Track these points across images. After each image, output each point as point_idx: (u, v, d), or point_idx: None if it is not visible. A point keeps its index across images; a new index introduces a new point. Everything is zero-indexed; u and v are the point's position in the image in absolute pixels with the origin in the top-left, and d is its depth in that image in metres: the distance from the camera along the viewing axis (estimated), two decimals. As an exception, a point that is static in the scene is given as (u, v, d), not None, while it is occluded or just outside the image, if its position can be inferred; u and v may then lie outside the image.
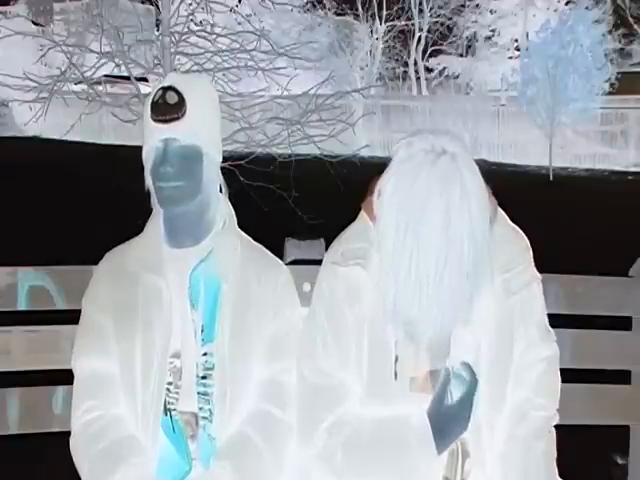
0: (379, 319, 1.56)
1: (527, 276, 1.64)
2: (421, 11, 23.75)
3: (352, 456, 1.58)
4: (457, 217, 1.44)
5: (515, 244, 1.65)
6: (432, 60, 25.33)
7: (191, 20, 6.68)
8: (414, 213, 1.45)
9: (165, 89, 1.67)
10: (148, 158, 1.69)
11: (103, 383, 1.69)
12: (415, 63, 24.51)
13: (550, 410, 1.68)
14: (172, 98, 1.66)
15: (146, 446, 1.64)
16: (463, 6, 24.67)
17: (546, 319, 1.71)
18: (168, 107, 1.66)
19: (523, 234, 1.69)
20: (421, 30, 23.96)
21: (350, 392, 1.61)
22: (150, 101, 1.68)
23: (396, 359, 1.55)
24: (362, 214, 1.66)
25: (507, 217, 1.68)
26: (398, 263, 1.47)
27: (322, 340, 1.63)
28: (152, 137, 1.68)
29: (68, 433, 1.72)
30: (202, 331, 1.68)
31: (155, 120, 1.66)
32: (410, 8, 23.74)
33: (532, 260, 1.67)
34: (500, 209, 1.66)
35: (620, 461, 3.07)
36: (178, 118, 1.66)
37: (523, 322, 1.64)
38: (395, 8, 23.89)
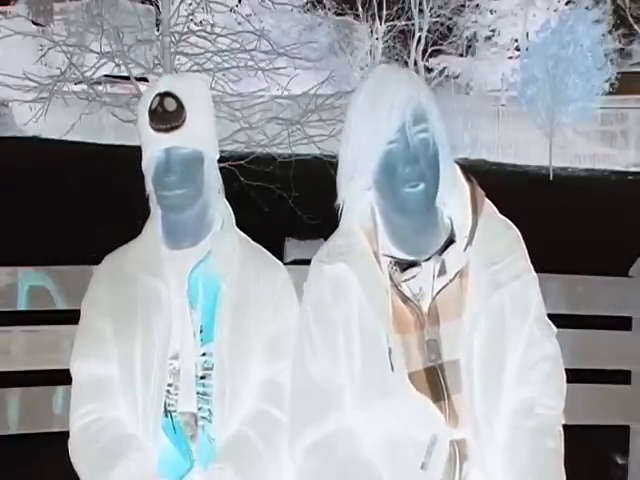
0: (368, 313, 1.55)
1: (517, 268, 1.59)
2: (421, 11, 23.70)
3: None
4: (407, 85, 1.54)
5: (503, 237, 1.61)
6: (432, 60, 25.29)
7: (191, 20, 6.68)
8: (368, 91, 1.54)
9: (162, 95, 1.65)
10: (149, 167, 1.68)
11: (101, 386, 1.68)
12: (415, 63, 24.46)
13: (558, 410, 1.63)
14: (171, 105, 1.64)
15: (146, 445, 1.64)
16: (463, 6, 24.62)
17: (544, 312, 1.66)
18: (167, 115, 1.63)
19: (513, 226, 1.65)
20: (421, 30, 23.91)
21: (337, 399, 1.58)
22: (147, 108, 1.65)
23: (390, 352, 1.53)
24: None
25: (496, 209, 1.64)
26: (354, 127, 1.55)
27: (311, 346, 1.61)
28: (153, 146, 1.66)
29: (68, 433, 1.72)
30: (201, 331, 1.68)
31: (155, 129, 1.64)
32: (410, 8, 23.69)
33: (525, 252, 1.63)
34: (489, 201, 1.63)
35: (620, 461, 3.08)
36: (179, 126, 1.64)
37: (518, 316, 1.59)
38: (395, 8, 23.84)
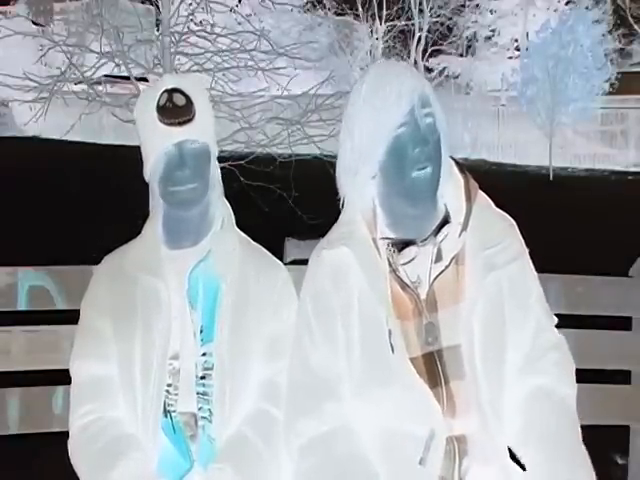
0: (368, 298, 1.57)
1: (513, 251, 1.62)
2: (421, 11, 23.69)
3: None
4: (409, 79, 1.56)
5: (498, 224, 1.65)
6: (432, 60, 25.29)
7: (191, 20, 6.67)
8: (371, 87, 1.57)
9: (169, 92, 1.66)
10: (158, 164, 1.67)
11: (101, 386, 1.69)
12: (415, 63, 24.48)
13: (572, 399, 1.65)
14: (180, 100, 1.65)
15: (146, 446, 1.64)
16: (463, 6, 24.62)
17: (544, 299, 1.68)
18: (177, 109, 1.65)
19: (508, 216, 1.68)
20: (421, 30, 23.91)
21: (336, 390, 1.60)
22: (154, 106, 1.66)
23: (390, 333, 1.54)
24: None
25: (491, 201, 1.67)
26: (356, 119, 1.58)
27: (310, 338, 1.63)
28: (163, 142, 1.66)
29: (68, 433, 1.72)
30: (201, 331, 1.68)
31: (167, 124, 1.64)
32: (410, 8, 23.69)
33: (520, 238, 1.65)
34: (483, 193, 1.66)
35: (620, 461, 3.07)
36: (190, 120, 1.65)
37: (517, 299, 1.61)
38: (395, 8, 23.84)
